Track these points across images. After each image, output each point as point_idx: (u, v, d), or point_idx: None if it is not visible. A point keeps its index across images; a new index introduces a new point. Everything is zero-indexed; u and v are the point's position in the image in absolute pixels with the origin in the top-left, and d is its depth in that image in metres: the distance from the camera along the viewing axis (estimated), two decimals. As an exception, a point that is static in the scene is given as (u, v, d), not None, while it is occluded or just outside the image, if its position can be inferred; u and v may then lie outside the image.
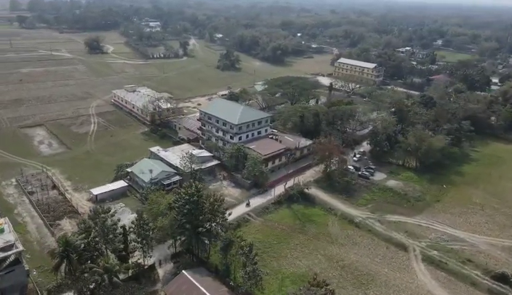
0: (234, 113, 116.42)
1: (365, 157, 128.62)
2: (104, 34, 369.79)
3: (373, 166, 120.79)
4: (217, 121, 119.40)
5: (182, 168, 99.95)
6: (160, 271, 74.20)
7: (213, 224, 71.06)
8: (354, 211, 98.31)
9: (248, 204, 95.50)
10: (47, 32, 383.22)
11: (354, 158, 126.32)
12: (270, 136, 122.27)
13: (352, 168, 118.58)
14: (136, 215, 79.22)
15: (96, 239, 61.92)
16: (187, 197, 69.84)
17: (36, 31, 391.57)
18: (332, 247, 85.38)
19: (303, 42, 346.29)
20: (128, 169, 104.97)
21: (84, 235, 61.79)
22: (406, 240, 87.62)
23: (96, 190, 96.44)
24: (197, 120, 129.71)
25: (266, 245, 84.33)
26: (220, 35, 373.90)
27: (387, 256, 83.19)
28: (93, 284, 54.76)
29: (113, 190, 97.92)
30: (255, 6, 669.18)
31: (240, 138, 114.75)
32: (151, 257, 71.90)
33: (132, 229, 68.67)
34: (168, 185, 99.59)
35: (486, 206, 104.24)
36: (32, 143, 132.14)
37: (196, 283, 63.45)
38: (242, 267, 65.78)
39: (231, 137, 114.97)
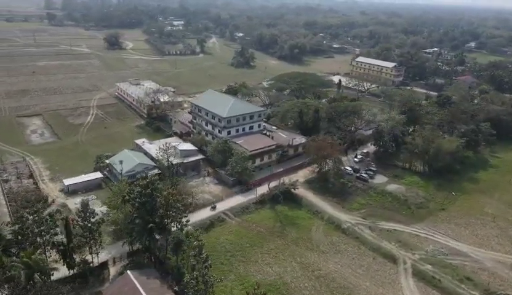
0: (223, 106, 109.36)
1: (368, 159, 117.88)
2: (128, 31, 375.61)
3: (374, 168, 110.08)
4: (206, 114, 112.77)
5: (159, 160, 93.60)
6: (112, 270, 67.90)
7: (166, 220, 63.87)
8: (343, 216, 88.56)
9: (213, 208, 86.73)
10: (73, 29, 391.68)
11: (355, 159, 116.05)
12: (264, 132, 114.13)
13: (350, 169, 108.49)
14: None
15: (28, 231, 56.24)
16: (139, 189, 63.12)
17: (63, 28, 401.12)
18: (310, 254, 76.29)
19: (324, 42, 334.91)
20: (107, 161, 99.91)
21: (17, 225, 56.33)
22: (397, 251, 77.16)
23: (68, 181, 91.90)
24: (188, 112, 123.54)
25: (237, 248, 76.39)
26: (241, 34, 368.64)
27: (372, 268, 73.16)
28: (14, 280, 48.81)
29: (87, 181, 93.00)
30: (283, 7, 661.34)
31: (229, 132, 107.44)
32: (98, 254, 65.56)
33: (77, 222, 62.69)
34: (145, 178, 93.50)
35: (499, 217, 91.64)
36: (24, 132, 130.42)
37: (138, 286, 56.47)
38: (190, 270, 58.16)
39: (219, 132, 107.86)
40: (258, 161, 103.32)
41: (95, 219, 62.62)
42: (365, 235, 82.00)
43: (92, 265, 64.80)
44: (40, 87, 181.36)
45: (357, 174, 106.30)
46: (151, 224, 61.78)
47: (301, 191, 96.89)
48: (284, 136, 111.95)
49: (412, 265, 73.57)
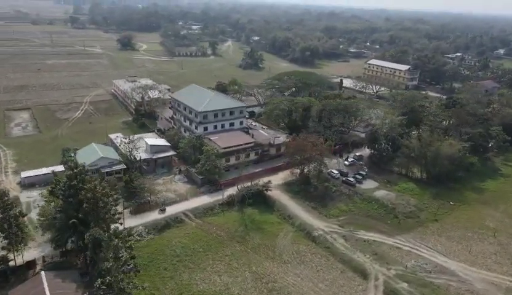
0: (201, 100, 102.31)
1: (361, 162, 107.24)
2: (146, 34, 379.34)
3: (363, 173, 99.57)
4: (184, 109, 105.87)
5: (122, 155, 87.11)
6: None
7: (93, 217, 56.58)
8: (318, 223, 78.78)
9: (162, 211, 77.85)
10: (92, 32, 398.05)
11: (345, 162, 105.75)
12: (245, 130, 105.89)
13: (336, 172, 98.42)
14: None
15: None
16: (66, 180, 56.30)
17: (84, 30, 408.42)
18: (270, 263, 67.11)
19: (341, 46, 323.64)
20: (72, 154, 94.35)
21: None
22: (370, 265, 66.80)
23: (25, 174, 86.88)
24: (169, 108, 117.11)
25: (188, 252, 68.25)
26: (257, 38, 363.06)
27: (337, 283, 63.24)
28: None
29: (45, 174, 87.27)
30: (305, 13, 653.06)
31: (205, 128, 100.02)
32: (17, 251, 58.91)
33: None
34: (110, 173, 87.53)
35: (501, 232, 79.44)
36: (8, 125, 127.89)
37: (46, 289, 49.26)
38: (106, 274, 50.36)
39: (196, 127, 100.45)
40: (233, 160, 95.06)
41: (14, 210, 56.11)
42: (337, 245, 71.97)
43: (14, 263, 58.21)
44: (40, 83, 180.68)
45: (344, 178, 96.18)
46: (74, 220, 54.58)
47: (276, 194, 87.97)
48: (265, 134, 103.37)
49: (385, 281, 63.13)
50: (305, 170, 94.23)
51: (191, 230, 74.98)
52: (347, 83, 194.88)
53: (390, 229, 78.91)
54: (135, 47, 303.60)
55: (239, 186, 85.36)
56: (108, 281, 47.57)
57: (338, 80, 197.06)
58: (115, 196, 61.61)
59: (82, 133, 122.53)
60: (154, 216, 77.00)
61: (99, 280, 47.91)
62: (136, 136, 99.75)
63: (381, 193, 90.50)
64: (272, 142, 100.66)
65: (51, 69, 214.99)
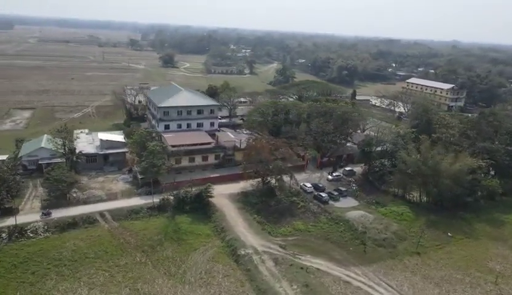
0: (167, 96, 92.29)
1: (351, 179, 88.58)
2: (196, 56, 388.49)
3: (343, 189, 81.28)
4: (152, 106, 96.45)
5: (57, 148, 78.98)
6: None
7: None
8: (254, 240, 62.57)
9: (46, 214, 65.02)
10: (146, 53, 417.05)
11: (329, 177, 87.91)
12: (218, 130, 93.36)
13: (310, 186, 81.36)
14: None
15: None
16: None
17: (139, 52, 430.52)
18: (164, 281, 52.55)
19: (389, 69, 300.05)
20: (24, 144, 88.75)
21: None
22: (291, 299, 49.20)
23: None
24: (145, 106, 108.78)
25: (75, 257, 56.35)
26: (302, 60, 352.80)
27: (234, 317, 46.63)
28: None
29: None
30: (365, 41, 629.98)
31: (167, 127, 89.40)
32: None
33: None
34: (48, 165, 79.76)
35: (508, 279, 56.66)
36: (3, 120, 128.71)
37: None
38: None
39: (158, 125, 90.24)
40: (186, 162, 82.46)
41: None
42: (262, 269, 55.18)
43: None
44: (62, 89, 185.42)
45: (316, 194, 78.72)
46: None
47: (223, 203, 73.53)
48: (231, 137, 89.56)
49: (298, 324, 45.26)
50: (269, 180, 78.65)
51: (99, 232, 63.08)
52: (377, 102, 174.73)
53: (348, 257, 60.19)
54: (176, 65, 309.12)
55: (178, 190, 72.13)
56: None
57: (366, 98, 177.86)
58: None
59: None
60: (65, 212, 66.59)
61: None
62: (100, 133, 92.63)
63: (354, 214, 71.47)
64: (238, 145, 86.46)
65: (85, 79, 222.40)
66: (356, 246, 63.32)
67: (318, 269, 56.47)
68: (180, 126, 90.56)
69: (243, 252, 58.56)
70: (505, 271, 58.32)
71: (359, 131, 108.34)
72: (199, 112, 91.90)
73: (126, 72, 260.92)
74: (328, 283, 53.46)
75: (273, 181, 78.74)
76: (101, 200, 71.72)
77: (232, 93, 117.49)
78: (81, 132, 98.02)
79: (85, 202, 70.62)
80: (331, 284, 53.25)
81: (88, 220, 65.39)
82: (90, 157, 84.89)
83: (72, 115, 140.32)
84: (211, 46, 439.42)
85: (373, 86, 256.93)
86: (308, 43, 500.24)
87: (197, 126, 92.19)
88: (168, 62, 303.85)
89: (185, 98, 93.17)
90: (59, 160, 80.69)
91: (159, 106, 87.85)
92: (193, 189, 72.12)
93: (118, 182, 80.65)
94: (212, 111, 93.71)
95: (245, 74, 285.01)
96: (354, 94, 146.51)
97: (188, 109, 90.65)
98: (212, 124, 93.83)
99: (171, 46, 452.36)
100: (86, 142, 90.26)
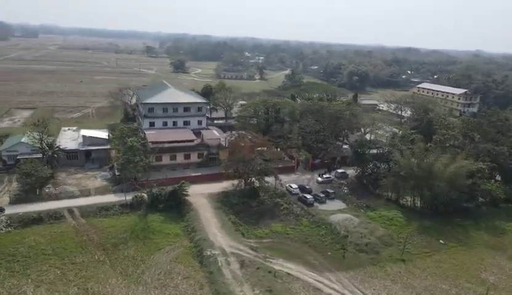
0: (154, 92, 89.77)
1: (343, 181, 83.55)
2: (209, 62, 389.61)
3: (330, 191, 76.40)
4: (141, 104, 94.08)
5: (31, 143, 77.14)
6: None
7: None
8: (224, 241, 58.42)
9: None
10: (161, 59, 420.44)
11: (319, 179, 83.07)
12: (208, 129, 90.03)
13: (295, 187, 76.89)
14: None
15: None
16: None
17: (154, 58, 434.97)
18: (118, 281, 48.99)
19: (403, 76, 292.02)
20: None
21: None
22: (249, 304, 44.71)
23: None
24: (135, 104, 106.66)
25: (31, 253, 53.47)
26: (315, 67, 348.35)
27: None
28: None
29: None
30: (380, 49, 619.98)
31: (152, 124, 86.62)
32: None
33: None
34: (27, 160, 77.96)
35: (501, 291, 50.52)
36: (2, 119, 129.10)
37: None
38: None
39: (143, 122, 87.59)
40: (167, 160, 79.26)
41: None
42: (225, 272, 50.87)
43: None
44: (68, 91, 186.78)
45: (300, 195, 74.08)
46: None
47: (201, 202, 69.95)
48: (216, 135, 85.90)
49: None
50: (252, 180, 74.49)
51: (63, 229, 60.15)
52: (385, 107, 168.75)
53: (325, 263, 55.24)
54: (188, 71, 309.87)
55: (150, 188, 68.80)
56: None
57: (373, 103, 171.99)
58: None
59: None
60: (32, 207, 64.08)
61: None
62: (83, 130, 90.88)
63: (338, 218, 66.43)
64: (224, 144, 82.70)
65: (93, 82, 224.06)
66: (336, 251, 58.28)
67: (288, 274, 51.77)
68: (165, 123, 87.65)
69: (208, 253, 54.43)
70: (499, 283, 52.17)
71: (358, 134, 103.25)
72: (186, 109, 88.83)
73: (136, 76, 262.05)
74: (296, 289, 48.69)
75: (257, 182, 74.78)
76: (73, 196, 69.17)
77: (228, 93, 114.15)
78: (69, 129, 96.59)
79: (57, 198, 68.19)
80: (299, 291, 48.46)
81: (55, 216, 62.64)
82: (71, 153, 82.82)
83: (71, 115, 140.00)
84: (225, 53, 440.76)
85: (384, 93, 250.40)
86: (323, 51, 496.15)
87: (184, 124, 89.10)
88: (179, 67, 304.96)
89: (172, 95, 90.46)
90: (39, 155, 78.91)
91: (143, 102, 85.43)
92: (168, 187, 68.64)
93: (96, 179, 78.10)
94: (199, 109, 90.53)
95: (255, 79, 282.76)
96: (355, 97, 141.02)
97: (174, 106, 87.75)
98: (200, 122, 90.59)
99: (186, 53, 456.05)
100: (70, 139, 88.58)
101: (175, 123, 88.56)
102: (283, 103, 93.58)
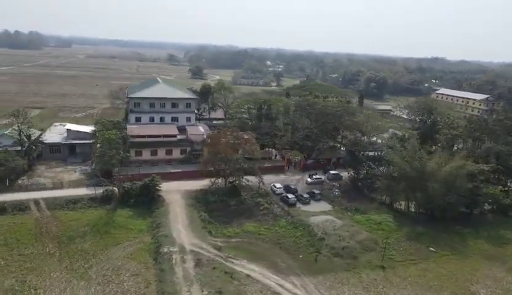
0: (143, 87, 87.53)
1: (335, 183, 77.71)
2: (228, 70, 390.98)
3: (316, 192, 70.87)
4: (127, 98, 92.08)
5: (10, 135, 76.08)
6: None
7: None
8: (187, 238, 54.19)
9: None
10: (182, 67, 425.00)
11: (308, 179, 77.62)
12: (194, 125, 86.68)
13: (279, 186, 71.85)
14: None
15: None
16: None
17: (176, 66, 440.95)
18: (60, 275, 45.56)
19: (426, 84, 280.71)
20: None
21: None
22: (193, 306, 40.03)
23: None
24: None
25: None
26: (335, 75, 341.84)
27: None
28: None
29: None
30: (406, 59, 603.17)
31: (138, 119, 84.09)
32: None
33: None
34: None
35: (493, 306, 43.52)
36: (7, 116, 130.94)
37: None
38: None
39: (129, 117, 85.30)
40: (148, 155, 76.12)
41: None
42: (177, 270, 46.50)
43: None
44: (80, 93, 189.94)
45: (283, 195, 68.98)
46: None
47: (175, 199, 66.16)
48: (201, 130, 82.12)
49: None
50: (234, 179, 70.11)
51: (25, 220, 57.59)
52: (399, 112, 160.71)
53: (293, 266, 49.89)
54: (205, 77, 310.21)
55: (120, 183, 65.62)
56: None
57: (387, 108, 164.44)
58: None
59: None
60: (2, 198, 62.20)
61: None
62: (69, 124, 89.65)
63: (319, 219, 60.89)
64: (208, 140, 78.73)
65: (108, 85, 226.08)
66: (309, 254, 52.78)
67: (248, 275, 46.76)
68: (152, 119, 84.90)
69: (165, 250, 50.22)
70: (490, 296, 45.20)
71: (363, 138, 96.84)
72: (174, 105, 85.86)
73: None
74: (252, 292, 43.61)
75: (241, 180, 70.34)
76: (44, 188, 66.82)
77: (228, 93, 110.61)
78: (60, 124, 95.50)
79: (27, 189, 66.04)
80: (254, 294, 43.33)
81: (19, 207, 60.26)
82: (54, 147, 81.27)
83: (74, 114, 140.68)
84: (245, 61, 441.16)
85: (401, 100, 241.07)
86: (345, 60, 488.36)
87: (172, 120, 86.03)
88: (197, 73, 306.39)
89: (160, 90, 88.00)
90: (18, 148, 77.67)
91: (129, 96, 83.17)
92: (139, 182, 65.27)
93: (75, 173, 75.74)
94: (188, 105, 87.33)
95: (271, 86, 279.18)
96: (361, 99, 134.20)
97: (161, 101, 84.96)
98: (189, 119, 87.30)
99: (207, 61, 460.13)
100: (57, 133, 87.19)
101: (162, 119, 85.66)
102: (275, 100, 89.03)
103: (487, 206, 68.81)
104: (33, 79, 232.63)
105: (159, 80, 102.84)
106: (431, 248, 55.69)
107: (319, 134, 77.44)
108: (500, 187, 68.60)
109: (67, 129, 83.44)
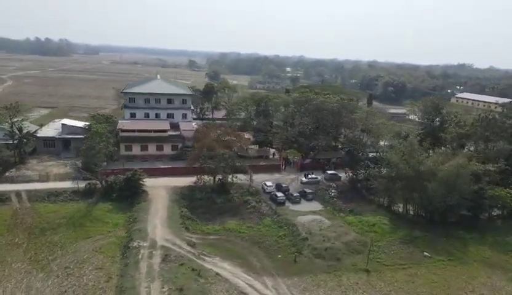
0: (140, 83, 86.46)
1: (332, 183, 73.50)
2: (247, 76, 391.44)
3: (308, 191, 66.97)
4: (123, 93, 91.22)
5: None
6: None
7: None
8: (162, 233, 51.60)
9: None
10: (201, 73, 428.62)
11: (303, 179, 73.76)
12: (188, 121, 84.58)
13: (270, 184, 68.44)
14: None
15: None
16: None
17: (196, 72, 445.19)
18: (22, 267, 43.96)
19: (449, 90, 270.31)
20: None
21: None
22: (147, 303, 37.16)
23: None
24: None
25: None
26: (354, 81, 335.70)
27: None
28: None
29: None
30: (432, 66, 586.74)
31: (133, 115, 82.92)
32: None
33: None
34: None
35: (486, 318, 38.51)
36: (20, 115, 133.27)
37: None
38: None
39: (124, 113, 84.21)
40: (138, 150, 74.37)
41: None
42: (142, 265, 43.86)
43: None
44: (95, 95, 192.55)
45: (272, 194, 65.52)
46: None
47: (159, 194, 63.84)
48: (194, 126, 79.71)
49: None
50: (223, 176, 67.30)
51: (4, 211, 56.44)
52: (413, 116, 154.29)
53: (269, 266, 46.40)
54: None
55: (102, 177, 63.96)
56: None
57: (403, 112, 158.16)
58: None
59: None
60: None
61: None
62: (65, 119, 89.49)
63: (305, 219, 57.12)
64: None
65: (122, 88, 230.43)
66: (289, 254, 49.11)
67: (217, 274, 43.58)
68: (147, 115, 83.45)
69: (135, 245, 47.72)
70: (485, 307, 40.16)
71: (362, 137, 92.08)
72: (169, 101, 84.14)
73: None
74: (218, 291, 40.41)
75: (229, 178, 67.57)
76: (30, 181, 65.94)
77: (232, 92, 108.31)
78: (59, 120, 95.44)
79: (13, 181, 65.36)
80: (219, 293, 40.10)
81: (0, 198, 59.53)
82: (48, 141, 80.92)
83: (86, 114, 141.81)
84: (264, 68, 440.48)
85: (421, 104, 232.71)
86: (364, 66, 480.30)
87: (168, 116, 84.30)
88: (214, 78, 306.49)
89: (155, 86, 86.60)
90: (9, 141, 77.56)
91: (123, 91, 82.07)
92: (122, 176, 63.39)
93: (65, 167, 74.74)
94: (184, 101, 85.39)
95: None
96: (370, 99, 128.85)
97: (157, 97, 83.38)
98: (184, 115, 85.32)
99: (227, 67, 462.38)
100: (53, 128, 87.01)
101: (157, 115, 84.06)
102: (273, 96, 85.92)
103: (496, 211, 63.19)
104: (53, 82, 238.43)
105: (159, 77, 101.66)
106: (425, 253, 50.84)
107: (313, 131, 73.49)
108: (508, 189, 62.70)
109: (62, 124, 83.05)
